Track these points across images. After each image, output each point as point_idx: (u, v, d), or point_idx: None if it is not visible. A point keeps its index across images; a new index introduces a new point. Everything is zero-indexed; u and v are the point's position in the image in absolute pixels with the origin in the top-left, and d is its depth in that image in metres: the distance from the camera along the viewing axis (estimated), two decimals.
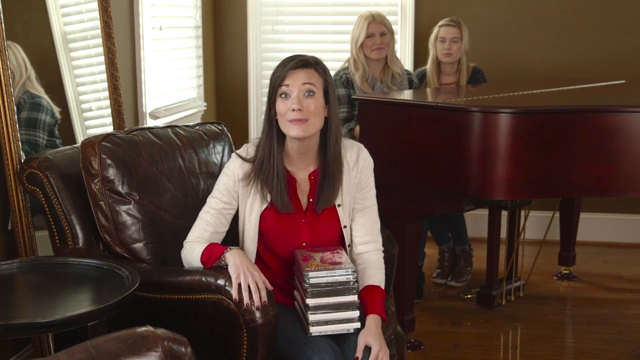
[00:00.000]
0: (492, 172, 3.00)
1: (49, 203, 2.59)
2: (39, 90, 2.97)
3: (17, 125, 2.75)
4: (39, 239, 2.80)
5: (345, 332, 2.25)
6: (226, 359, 2.25)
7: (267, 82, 2.44)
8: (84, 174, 2.54)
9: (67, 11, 3.26)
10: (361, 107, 3.43)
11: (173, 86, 4.39)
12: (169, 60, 4.30)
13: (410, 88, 4.09)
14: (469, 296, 4.08)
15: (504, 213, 4.10)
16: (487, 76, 4.39)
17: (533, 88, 3.78)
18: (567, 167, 3.00)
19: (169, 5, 4.37)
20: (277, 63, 2.34)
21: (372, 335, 2.21)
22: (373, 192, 2.47)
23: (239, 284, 2.19)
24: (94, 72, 3.38)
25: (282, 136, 2.34)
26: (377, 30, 3.97)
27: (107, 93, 3.38)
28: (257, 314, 2.18)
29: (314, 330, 2.22)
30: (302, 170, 2.40)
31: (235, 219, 2.43)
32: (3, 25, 2.69)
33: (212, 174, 2.76)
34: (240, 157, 2.38)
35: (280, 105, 2.29)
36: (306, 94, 2.28)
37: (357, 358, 2.19)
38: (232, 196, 2.38)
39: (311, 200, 2.39)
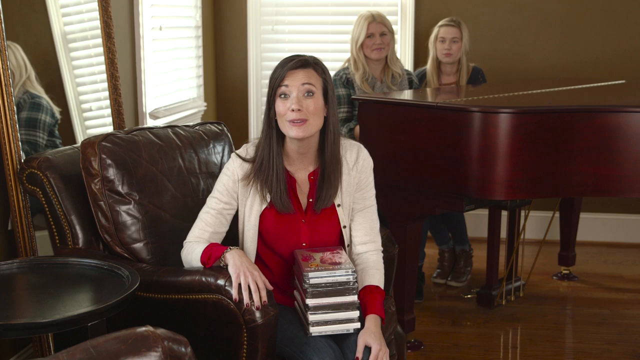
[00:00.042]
0: (492, 172, 3.00)
1: (49, 203, 2.59)
2: (39, 90, 2.97)
3: (17, 125, 2.75)
4: (39, 239, 2.80)
5: (345, 332, 2.25)
6: (226, 359, 2.25)
7: (267, 82, 2.44)
8: (84, 174, 2.54)
9: (67, 11, 3.26)
10: (361, 107, 3.43)
11: (173, 86, 4.39)
12: (169, 60, 4.30)
13: (410, 88, 4.09)
14: (469, 296, 4.08)
15: (504, 213, 4.10)
16: (487, 76, 4.39)
17: (533, 88, 3.78)
18: (567, 167, 3.00)
19: (169, 5, 4.37)
20: (277, 63, 2.34)
21: (371, 335, 2.21)
22: (372, 192, 2.47)
23: (239, 284, 2.19)
24: (94, 72, 3.38)
25: (281, 136, 2.35)
26: (377, 30, 3.97)
27: (107, 93, 3.38)
28: (257, 314, 2.18)
29: (314, 330, 2.23)
30: (301, 171, 2.40)
31: (235, 219, 2.43)
32: (3, 25, 2.69)
33: (212, 174, 2.76)
34: (240, 157, 2.38)
35: (280, 106, 2.29)
36: (305, 94, 2.28)
37: (357, 358, 2.19)
38: (232, 196, 2.38)
39: (311, 200, 2.39)
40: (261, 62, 5.10)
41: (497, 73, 4.78)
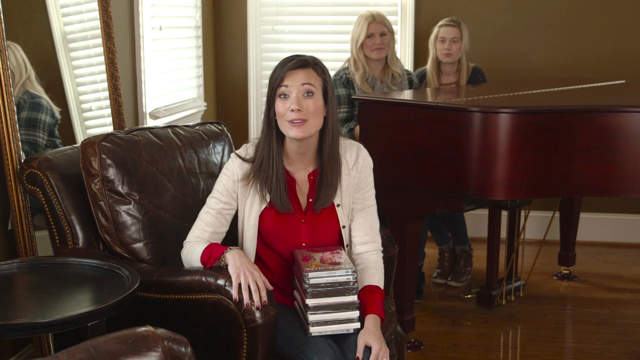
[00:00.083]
0: (492, 172, 3.00)
1: (49, 203, 2.59)
2: (39, 90, 2.97)
3: (17, 125, 2.75)
4: (39, 239, 2.80)
5: (345, 332, 2.25)
6: (226, 359, 2.25)
7: (267, 82, 2.44)
8: (84, 174, 2.54)
9: (67, 11, 3.26)
10: (361, 107, 3.43)
11: (173, 86, 4.39)
12: (169, 60, 4.30)
13: (410, 88, 4.09)
14: (469, 296, 4.08)
15: (504, 213, 4.10)
16: (487, 76, 4.39)
17: (533, 88, 3.78)
18: (567, 167, 3.00)
19: (169, 5, 4.37)
20: (277, 63, 2.34)
21: (371, 335, 2.21)
22: (372, 192, 2.47)
23: (239, 284, 2.19)
24: (94, 72, 3.38)
25: (281, 136, 2.35)
26: (377, 30, 3.97)
27: (107, 93, 3.38)
28: (257, 314, 2.18)
29: (314, 330, 2.23)
30: (301, 171, 2.40)
31: (235, 219, 2.43)
32: (3, 25, 2.69)
33: (212, 174, 2.76)
34: (240, 157, 2.38)
35: (280, 106, 2.29)
36: (305, 95, 2.28)
37: (357, 358, 2.19)
38: (232, 196, 2.38)
39: (310, 200, 2.39)
40: (261, 62, 5.10)
41: (497, 73, 4.78)
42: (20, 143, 2.75)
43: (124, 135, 2.60)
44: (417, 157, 3.19)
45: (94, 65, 3.37)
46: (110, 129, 3.38)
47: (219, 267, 2.28)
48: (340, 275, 2.24)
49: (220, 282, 2.22)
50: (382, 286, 2.38)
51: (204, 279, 2.25)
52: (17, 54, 2.86)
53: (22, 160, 2.69)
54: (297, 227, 2.38)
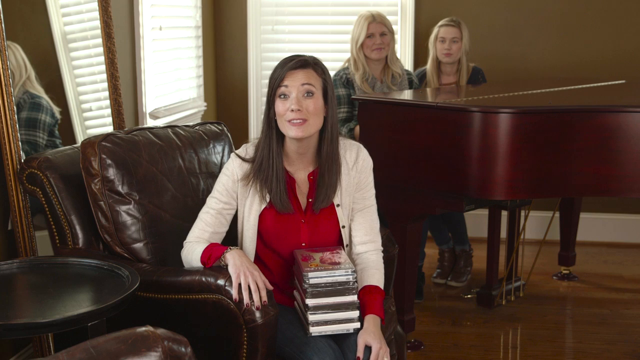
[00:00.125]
0: (492, 172, 3.00)
1: (49, 203, 2.59)
2: (39, 90, 2.97)
3: (17, 125, 2.75)
4: (39, 239, 2.80)
5: (345, 332, 2.25)
6: (226, 359, 2.25)
7: (267, 82, 2.44)
8: (84, 174, 2.54)
9: (67, 11, 3.26)
10: (361, 107, 3.43)
11: (173, 86, 4.39)
12: (169, 60, 4.30)
13: (410, 88, 4.09)
14: (469, 296, 4.08)
15: (504, 213, 4.10)
16: (487, 76, 4.39)
17: (533, 88, 3.78)
18: (567, 167, 3.00)
19: (169, 5, 4.37)
20: (277, 63, 2.34)
21: (371, 335, 2.21)
22: (372, 192, 2.47)
23: (239, 284, 2.19)
24: (94, 72, 3.38)
25: (281, 136, 2.35)
26: (377, 30, 3.97)
27: (107, 93, 3.38)
28: (257, 314, 2.18)
29: (314, 330, 2.23)
30: (301, 171, 2.40)
31: (234, 219, 2.43)
32: (3, 25, 2.69)
33: (212, 174, 2.76)
34: (240, 157, 2.38)
35: (280, 106, 2.29)
36: (305, 95, 2.28)
37: (358, 358, 2.19)
38: (232, 196, 2.38)
39: (310, 200, 2.39)
40: (261, 62, 5.10)
41: (497, 73, 4.78)
42: (20, 143, 2.75)
43: (124, 135, 2.60)
44: (417, 157, 3.19)
45: (94, 65, 3.37)
46: (110, 129, 3.38)
47: (219, 267, 2.28)
48: (340, 275, 2.24)
49: (220, 282, 2.22)
50: (382, 286, 2.38)
51: (204, 279, 2.25)
52: (17, 54, 2.86)
53: (22, 160, 2.69)
54: (297, 227, 2.38)
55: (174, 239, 2.54)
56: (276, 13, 5.05)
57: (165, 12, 4.28)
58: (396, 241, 2.81)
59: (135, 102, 3.88)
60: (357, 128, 3.65)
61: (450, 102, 3.20)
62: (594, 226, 4.98)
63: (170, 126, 2.83)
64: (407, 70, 4.16)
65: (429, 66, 4.31)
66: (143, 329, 1.46)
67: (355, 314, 2.25)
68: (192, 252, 2.34)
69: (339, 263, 2.27)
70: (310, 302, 2.22)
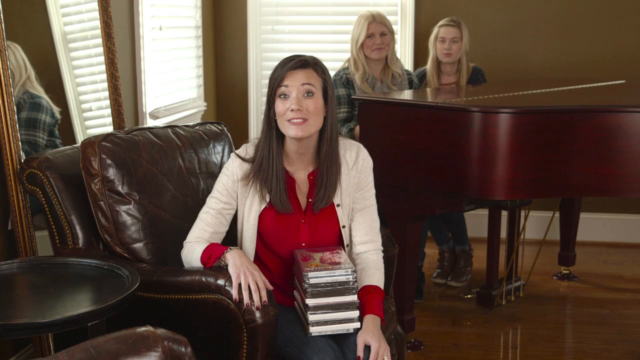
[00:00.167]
0: (492, 172, 3.00)
1: (49, 203, 2.59)
2: (39, 90, 2.97)
3: (17, 125, 2.75)
4: (39, 239, 2.80)
5: (345, 332, 2.25)
6: (226, 359, 2.25)
7: (267, 82, 2.44)
8: (84, 174, 2.54)
9: (67, 11, 3.26)
10: (361, 107, 3.43)
11: (173, 86, 4.39)
12: (169, 60, 4.30)
13: (410, 88, 4.09)
14: (469, 296, 4.08)
15: (504, 213, 4.10)
16: (487, 76, 4.39)
17: (533, 88, 3.78)
18: (567, 167, 3.00)
19: (169, 5, 4.37)
20: (277, 63, 2.34)
21: (369, 334, 2.21)
22: (372, 192, 2.47)
23: (239, 284, 2.19)
24: (94, 72, 3.38)
25: (281, 136, 2.35)
26: (377, 30, 3.97)
27: (107, 93, 3.38)
28: (257, 314, 2.18)
29: (314, 330, 2.23)
30: (301, 171, 2.40)
31: (234, 219, 2.43)
32: (3, 25, 2.69)
33: (212, 174, 2.76)
34: (240, 157, 2.38)
35: (280, 106, 2.29)
36: (305, 95, 2.28)
37: (358, 357, 2.19)
38: (231, 196, 2.38)
39: (310, 200, 2.39)
40: (261, 62, 5.10)
41: (497, 73, 4.78)
42: (20, 143, 2.75)
43: (124, 135, 2.60)
44: (417, 157, 3.19)
45: (94, 65, 3.37)
46: (110, 129, 3.38)
47: (219, 267, 2.28)
48: (340, 275, 2.24)
49: (220, 282, 2.22)
50: (381, 286, 2.38)
51: (204, 279, 2.25)
52: (17, 54, 2.86)
53: (22, 160, 2.69)
54: (297, 227, 2.38)
55: (174, 239, 2.54)
56: (276, 13, 5.05)
57: (165, 12, 4.28)
58: (396, 241, 2.81)
59: (135, 102, 3.88)
60: (357, 128, 3.65)
61: (450, 102, 3.20)
62: (594, 226, 4.98)
63: (170, 126, 2.83)
64: (407, 70, 4.16)
65: (429, 66, 4.31)
66: (143, 329, 1.46)
67: (355, 313, 2.25)
68: (192, 252, 2.34)
69: (339, 263, 2.27)
70: (310, 302, 2.22)
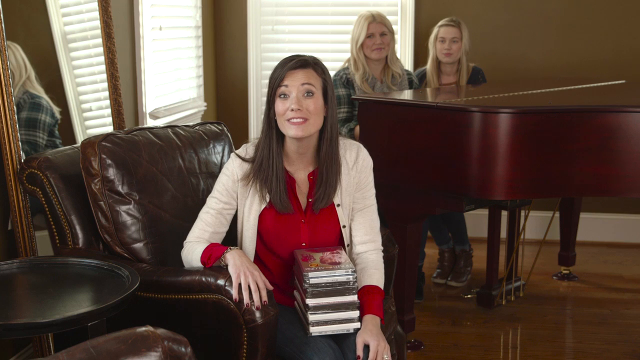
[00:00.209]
0: (492, 172, 3.00)
1: (49, 203, 2.59)
2: (39, 90, 2.97)
3: (17, 125, 2.75)
4: (39, 239, 2.80)
5: (345, 332, 2.25)
6: (226, 359, 2.25)
7: (267, 82, 2.44)
8: (84, 174, 2.54)
9: (67, 11, 3.26)
10: (361, 107, 3.43)
11: (173, 86, 4.39)
12: (169, 60, 4.30)
13: (410, 88, 4.09)
14: (469, 296, 4.08)
15: (504, 213, 4.10)
16: (487, 76, 4.39)
17: (533, 88, 3.78)
18: (567, 167, 3.00)
19: (169, 5, 4.37)
20: (277, 63, 2.34)
21: (368, 333, 2.21)
22: (372, 191, 2.47)
23: (239, 284, 2.19)
24: (94, 72, 3.38)
25: (281, 136, 2.35)
26: (377, 30, 3.97)
27: (107, 93, 3.38)
28: (257, 314, 2.18)
29: (314, 330, 2.23)
30: (301, 171, 2.40)
31: (234, 219, 2.43)
32: (3, 25, 2.69)
33: (212, 174, 2.76)
34: (240, 157, 2.38)
35: (280, 106, 2.29)
36: (305, 94, 2.28)
37: (358, 357, 2.19)
38: (232, 196, 2.38)
39: (310, 200, 2.39)
40: (261, 62, 5.10)
41: (497, 73, 4.78)
42: (20, 143, 2.75)
43: (124, 135, 2.60)
44: (417, 157, 3.19)
45: (94, 65, 3.37)
46: (110, 129, 3.38)
47: (219, 267, 2.28)
48: (340, 275, 2.24)
49: (220, 282, 2.22)
50: (381, 286, 2.38)
51: (204, 279, 2.25)
52: (17, 54, 2.86)
53: (22, 160, 2.69)
54: (297, 227, 2.38)
55: (174, 239, 2.54)
56: (276, 13, 5.05)
57: (165, 12, 4.28)
58: (396, 241, 2.81)
59: (135, 102, 3.88)
60: (357, 128, 3.65)
61: (450, 102, 3.20)
62: (594, 226, 4.98)
63: (170, 126, 2.83)
64: (407, 70, 4.16)
65: (429, 66, 4.31)
66: (143, 329, 1.46)
67: (356, 314, 2.25)
68: (192, 252, 2.34)
69: (339, 263, 2.26)
70: (310, 302, 2.22)
